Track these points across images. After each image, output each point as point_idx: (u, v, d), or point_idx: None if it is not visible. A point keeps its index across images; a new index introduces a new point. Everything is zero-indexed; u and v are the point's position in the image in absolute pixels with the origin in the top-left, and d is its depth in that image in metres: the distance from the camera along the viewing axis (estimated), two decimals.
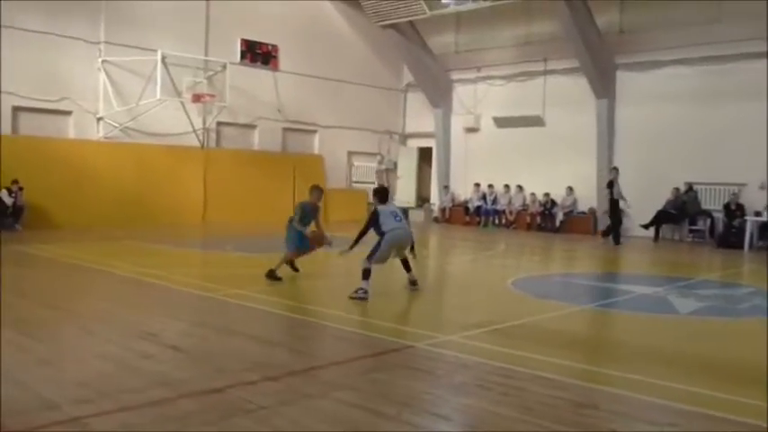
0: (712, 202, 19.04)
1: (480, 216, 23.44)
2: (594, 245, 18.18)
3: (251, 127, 22.37)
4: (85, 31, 18.41)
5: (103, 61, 18.71)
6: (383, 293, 8.76)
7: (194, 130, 20.68)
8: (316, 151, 24.27)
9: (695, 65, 19.16)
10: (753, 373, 5.73)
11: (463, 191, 24.66)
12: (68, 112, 18.40)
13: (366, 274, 8.52)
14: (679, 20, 19.32)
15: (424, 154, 26.65)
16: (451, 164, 25.31)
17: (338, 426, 4.19)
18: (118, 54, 18.78)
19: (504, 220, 22.99)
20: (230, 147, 21.87)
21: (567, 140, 21.57)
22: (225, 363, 5.52)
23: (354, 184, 25.30)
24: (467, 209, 23.82)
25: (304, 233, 9.74)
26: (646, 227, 18.91)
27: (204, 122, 20.92)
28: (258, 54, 22.18)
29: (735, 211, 17.85)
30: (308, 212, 9.83)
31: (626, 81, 20.75)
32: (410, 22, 23.56)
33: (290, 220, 9.99)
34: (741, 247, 16.97)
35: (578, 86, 21.17)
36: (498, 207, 23.26)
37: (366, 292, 8.38)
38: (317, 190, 10.20)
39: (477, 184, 23.89)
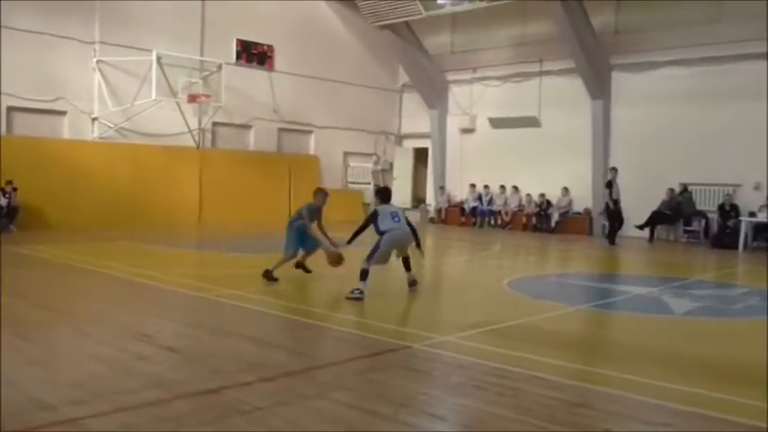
0: (707, 203, 19.10)
1: (476, 217, 23.46)
2: (590, 245, 18.21)
3: (246, 127, 22.35)
4: (80, 31, 18.38)
5: (98, 61, 18.67)
6: (380, 294, 8.76)
7: (190, 131, 20.65)
8: (311, 152, 24.27)
9: (690, 66, 19.21)
10: (748, 374, 5.75)
11: (459, 191, 24.69)
12: (63, 113, 18.37)
13: (364, 274, 8.51)
14: (674, 21, 19.37)
15: (420, 154, 26.66)
16: (447, 164, 25.33)
17: (334, 426, 4.19)
18: (113, 54, 18.75)
19: (499, 221, 23.02)
20: (226, 147, 21.85)
21: (563, 141, 21.60)
22: (220, 363, 5.50)
23: (350, 185, 25.30)
24: (462, 209, 23.84)
25: (310, 233, 9.66)
26: (641, 227, 18.95)
27: (200, 123, 20.91)
28: (254, 54, 22.17)
29: (729, 211, 17.91)
30: (314, 214, 9.80)
31: (621, 82, 20.79)
32: (406, 22, 23.56)
33: (291, 222, 9.96)
34: (735, 247, 17.02)
35: (574, 87, 21.21)
36: (494, 208, 23.28)
37: (362, 292, 8.36)
38: (322, 193, 10.12)
39: (473, 185, 23.91)
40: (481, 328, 7.04)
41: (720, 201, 18.43)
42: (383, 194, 9.34)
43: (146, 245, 14.40)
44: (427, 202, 25.83)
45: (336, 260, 9.30)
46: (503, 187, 23.27)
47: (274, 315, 7.66)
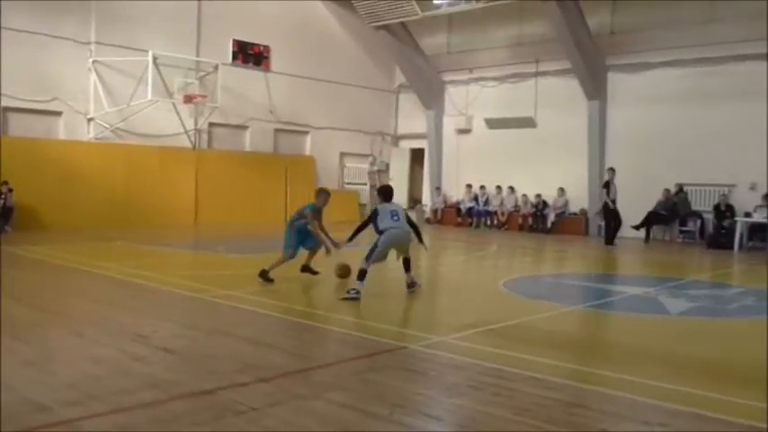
0: (702, 203, 19.14)
1: (472, 217, 23.49)
2: (586, 246, 18.24)
3: (243, 128, 22.34)
4: (76, 31, 18.36)
5: (94, 62, 18.65)
6: (377, 294, 8.76)
7: (186, 131, 20.63)
8: (307, 152, 24.26)
9: (686, 66, 19.26)
10: (744, 374, 5.77)
11: (455, 192, 24.71)
12: (59, 113, 18.34)
13: (362, 274, 8.50)
14: (670, 21, 19.43)
15: (416, 155, 26.67)
16: (443, 165, 25.34)
17: (330, 426, 4.19)
18: (109, 54, 18.72)
19: (495, 221, 23.05)
20: (222, 148, 21.84)
21: (559, 142, 21.64)
22: (216, 364, 5.50)
23: (346, 186, 25.29)
24: (459, 210, 23.86)
25: (313, 232, 9.65)
26: (637, 228, 18.98)
27: (196, 123, 20.89)
28: (250, 55, 22.15)
29: (725, 211, 17.95)
30: (317, 214, 9.79)
31: (617, 82, 20.84)
32: (402, 23, 23.57)
33: (291, 222, 9.92)
34: (731, 247, 17.06)
35: (570, 88, 21.25)
36: (490, 208, 23.31)
37: (358, 292, 8.35)
38: (324, 193, 10.11)
39: (469, 186, 23.93)
40: (477, 329, 7.05)
41: (716, 201, 18.48)
42: (385, 193, 9.32)
43: (142, 245, 14.38)
44: (423, 202, 25.85)
45: (344, 272, 9.26)
46: (499, 188, 23.30)
47: (271, 316, 7.65)
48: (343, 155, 25.39)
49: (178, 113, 20.26)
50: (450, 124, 25.02)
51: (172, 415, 4.29)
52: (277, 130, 23.22)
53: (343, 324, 7.42)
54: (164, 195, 19.56)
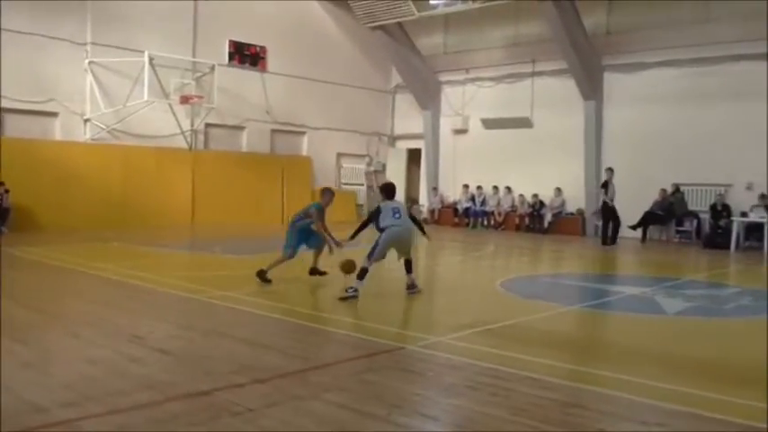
0: (699, 203, 19.17)
1: (469, 217, 23.49)
2: (583, 246, 18.26)
3: (239, 128, 22.32)
4: (72, 31, 18.31)
5: (90, 62, 18.61)
6: (374, 295, 8.75)
7: (182, 132, 20.61)
8: (304, 153, 24.25)
9: (682, 66, 19.29)
10: (741, 373, 5.78)
11: (452, 192, 24.71)
12: (55, 114, 18.30)
13: (362, 273, 8.51)
14: (666, 21, 19.45)
15: (413, 155, 26.67)
16: (440, 165, 25.35)
17: (327, 427, 4.19)
18: (105, 55, 18.69)
19: (492, 222, 23.06)
20: (218, 148, 21.81)
21: (555, 142, 21.66)
22: (213, 365, 5.49)
23: (343, 186, 25.27)
24: (456, 210, 23.86)
25: (319, 231, 9.63)
26: (633, 228, 18.99)
27: (192, 124, 20.86)
28: (246, 55, 22.13)
29: (721, 211, 17.97)
30: (322, 213, 9.78)
31: (613, 82, 20.86)
32: (399, 23, 23.57)
33: (293, 222, 9.88)
34: (727, 247, 17.09)
35: (566, 88, 21.27)
36: (487, 208, 23.32)
37: (357, 291, 8.35)
38: (329, 192, 10.10)
39: (466, 186, 23.94)
40: (475, 329, 7.05)
41: (712, 201, 18.50)
42: (387, 190, 9.30)
43: (138, 246, 14.36)
44: (420, 202, 25.84)
45: (350, 267, 9.22)
46: (496, 188, 23.30)
47: (267, 317, 7.65)
48: (339, 155, 25.39)
49: (174, 114, 20.23)
50: (446, 124, 25.03)
51: (168, 416, 4.28)
52: (274, 131, 23.20)
53: (341, 324, 7.42)
54: (160, 196, 19.53)
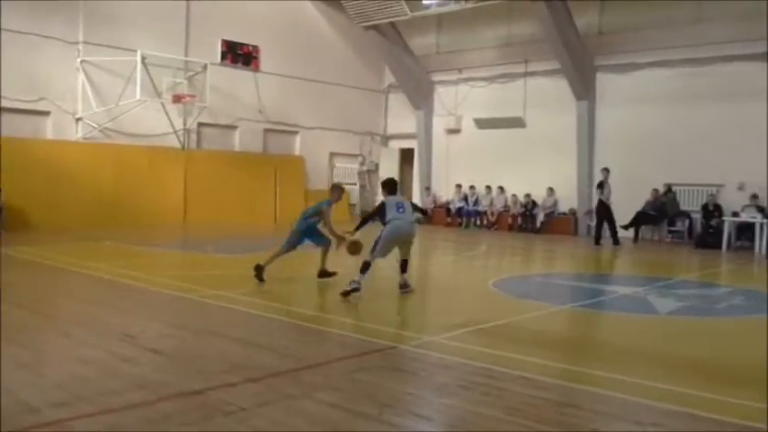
0: (691, 203, 19.24)
1: (462, 217, 23.52)
2: (575, 245, 18.29)
3: (232, 128, 22.27)
4: (64, 30, 18.24)
5: (82, 61, 18.54)
6: (367, 294, 8.74)
7: (174, 131, 20.55)
8: (297, 152, 24.22)
9: (674, 67, 19.36)
10: (733, 373, 5.80)
11: (445, 192, 24.73)
12: (47, 113, 18.22)
13: (365, 267, 8.59)
14: (658, 22, 19.52)
15: (406, 155, 26.68)
16: (433, 165, 25.36)
17: (319, 426, 4.18)
18: (97, 54, 18.62)
19: (485, 221, 23.09)
20: (211, 148, 21.77)
21: (548, 142, 21.70)
22: (205, 365, 5.48)
23: None
24: (448, 210, 23.87)
25: (329, 228, 9.61)
26: (625, 228, 19.03)
27: (185, 123, 20.81)
28: (239, 55, 22.10)
29: (713, 211, 18.04)
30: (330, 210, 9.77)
31: (606, 83, 20.92)
32: (391, 23, 23.57)
33: (305, 218, 9.82)
34: (719, 247, 17.15)
35: (559, 88, 21.31)
36: (480, 208, 23.35)
37: (359, 284, 8.43)
38: (339, 189, 10.14)
39: (459, 186, 23.96)
40: (467, 329, 7.05)
41: (704, 201, 18.57)
42: (390, 186, 9.33)
43: (130, 245, 14.32)
44: (413, 202, 25.79)
45: (355, 248, 9.19)
46: (488, 188, 23.33)
47: (260, 316, 7.63)
48: (332, 155, 25.37)
49: (167, 113, 20.18)
50: (439, 124, 25.04)
51: (160, 415, 4.27)
52: (266, 130, 23.17)
53: (334, 324, 7.41)
54: (152, 195, 19.48)
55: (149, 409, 4.36)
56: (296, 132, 24.10)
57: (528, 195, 22.18)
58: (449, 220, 23.65)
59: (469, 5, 21.02)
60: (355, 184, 25.35)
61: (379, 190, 24.21)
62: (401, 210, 8.91)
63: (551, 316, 8.20)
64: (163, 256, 13.54)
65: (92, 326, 6.91)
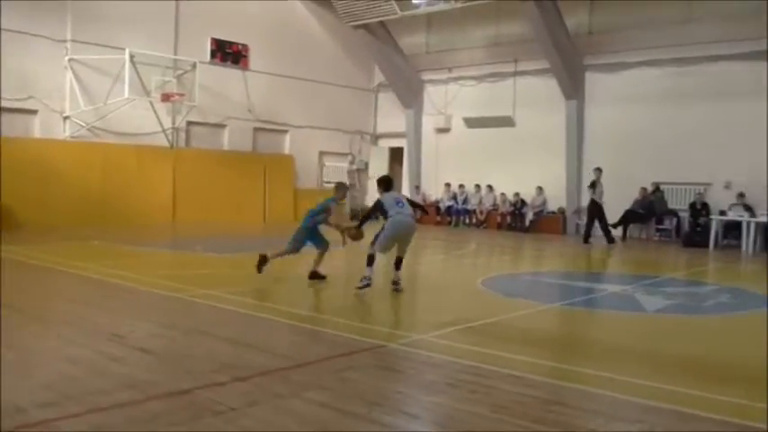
0: (679, 202, 19.36)
1: (451, 216, 23.57)
2: (564, 244, 18.37)
3: (221, 126, 22.21)
4: (52, 28, 18.13)
5: (70, 59, 18.44)
6: (355, 293, 8.75)
7: (163, 130, 20.46)
8: (286, 151, 24.18)
9: (663, 66, 19.46)
10: (720, 370, 5.85)
11: (434, 191, 24.77)
12: (34, 112, 18.11)
13: (370, 260, 8.71)
14: (647, 22, 19.60)
15: (396, 154, 26.70)
16: (422, 164, 25.40)
17: (308, 425, 4.18)
18: (85, 52, 18.53)
19: (474, 220, 23.15)
20: (200, 146, 21.70)
21: (537, 141, 21.76)
22: (194, 364, 5.47)
23: (325, 185, 25.21)
24: (438, 208, 23.91)
25: (335, 225, 9.66)
26: (614, 226, 19.10)
27: (173, 122, 20.73)
28: (228, 53, 22.04)
29: (700, 210, 18.17)
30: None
31: (595, 82, 21.00)
32: (381, 22, 23.59)
33: (312, 216, 9.82)
34: (706, 245, 17.27)
35: (548, 87, 21.38)
36: (469, 207, 23.41)
37: (369, 279, 8.60)
38: (344, 187, 10.24)
39: (448, 184, 24.00)
40: (456, 327, 7.07)
41: (692, 199, 18.70)
42: (385, 183, 9.41)
43: (119, 245, 14.25)
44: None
45: (358, 234, 9.34)
46: (477, 186, 23.39)
47: (249, 315, 7.62)
48: (322, 154, 25.34)
49: (155, 112, 20.07)
50: (429, 123, 25.07)
51: (149, 415, 4.26)
52: (256, 129, 23.12)
53: (323, 323, 7.42)
54: (141, 194, 19.40)
55: (137, 409, 4.35)
56: (285, 131, 24.06)
57: (517, 194, 22.24)
58: (438, 218, 23.68)
59: (459, 5, 21.05)
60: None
61: (369, 189, 24.09)
62: (401, 204, 9.01)
63: (540, 314, 8.23)
64: (152, 255, 13.49)
65: (80, 325, 6.88)
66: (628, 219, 19.32)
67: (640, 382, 5.19)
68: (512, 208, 22.35)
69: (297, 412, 4.41)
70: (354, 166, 25.96)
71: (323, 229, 9.92)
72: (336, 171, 25.48)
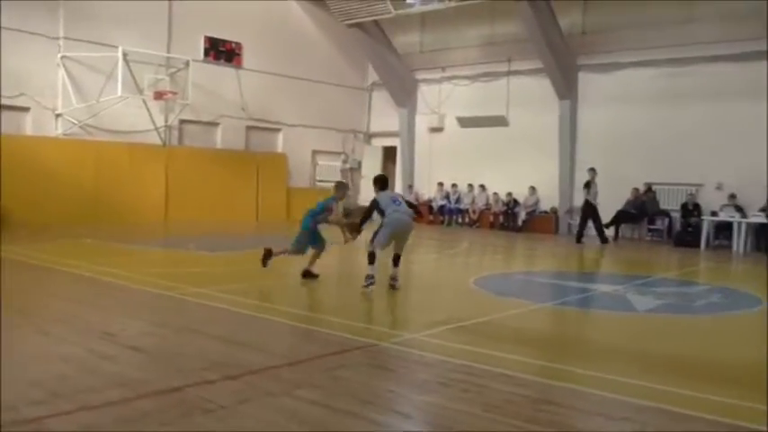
0: (670, 203, 19.43)
1: (444, 215, 23.60)
2: (556, 244, 18.40)
3: (214, 125, 22.18)
4: (44, 26, 18.07)
5: (63, 57, 18.38)
6: (348, 292, 8.75)
7: (156, 128, 20.42)
8: (279, 150, 24.15)
9: (656, 67, 19.53)
10: (710, 370, 5.87)
11: (427, 190, 24.79)
12: (26, 109, 18.05)
13: (371, 258, 8.73)
14: (640, 22, 19.66)
15: (389, 153, 26.71)
16: (416, 163, 25.41)
17: (299, 424, 4.18)
18: (78, 50, 18.48)
19: (467, 219, 23.18)
20: (193, 144, 21.66)
21: (530, 141, 21.80)
22: (185, 362, 5.46)
23: (318, 183, 25.22)
24: (431, 208, 23.92)
25: (338, 223, 9.68)
26: (606, 226, 19.18)
27: (166, 120, 20.69)
28: (221, 51, 22.00)
29: (692, 210, 18.25)
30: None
31: (588, 82, 21.05)
32: (375, 21, 23.59)
33: (314, 215, 9.80)
34: (697, 245, 17.35)
35: (541, 87, 21.42)
36: (462, 206, 23.44)
37: (373, 277, 8.62)
38: (344, 186, 10.27)
39: (441, 184, 24.03)
40: (448, 326, 7.07)
41: (683, 200, 18.77)
42: (381, 182, 9.45)
43: (111, 243, 14.22)
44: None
45: (355, 230, 9.42)
46: (470, 186, 23.43)
47: (240, 313, 7.61)
48: (315, 152, 25.33)
49: (148, 110, 20.04)
50: (422, 122, 25.09)
51: (139, 413, 4.25)
52: (249, 128, 23.09)
53: (314, 321, 7.41)
54: (133, 192, 19.34)
55: (128, 407, 4.34)
56: (278, 130, 24.04)
57: (510, 194, 22.28)
58: (431, 218, 23.71)
59: (453, 4, 21.07)
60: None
61: (362, 188, 24.09)
62: (398, 203, 9.06)
63: (532, 313, 8.25)
64: (144, 253, 13.46)
65: (71, 324, 6.86)
66: (620, 219, 19.39)
67: (631, 382, 5.21)
68: (504, 207, 22.39)
69: (288, 410, 4.41)
70: (347, 165, 25.96)
71: (322, 227, 9.90)
72: (329, 170, 25.48)
